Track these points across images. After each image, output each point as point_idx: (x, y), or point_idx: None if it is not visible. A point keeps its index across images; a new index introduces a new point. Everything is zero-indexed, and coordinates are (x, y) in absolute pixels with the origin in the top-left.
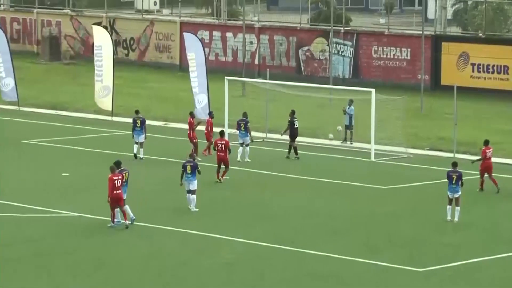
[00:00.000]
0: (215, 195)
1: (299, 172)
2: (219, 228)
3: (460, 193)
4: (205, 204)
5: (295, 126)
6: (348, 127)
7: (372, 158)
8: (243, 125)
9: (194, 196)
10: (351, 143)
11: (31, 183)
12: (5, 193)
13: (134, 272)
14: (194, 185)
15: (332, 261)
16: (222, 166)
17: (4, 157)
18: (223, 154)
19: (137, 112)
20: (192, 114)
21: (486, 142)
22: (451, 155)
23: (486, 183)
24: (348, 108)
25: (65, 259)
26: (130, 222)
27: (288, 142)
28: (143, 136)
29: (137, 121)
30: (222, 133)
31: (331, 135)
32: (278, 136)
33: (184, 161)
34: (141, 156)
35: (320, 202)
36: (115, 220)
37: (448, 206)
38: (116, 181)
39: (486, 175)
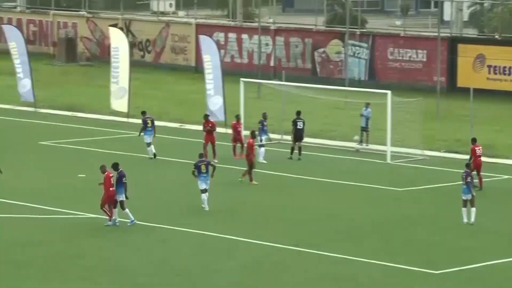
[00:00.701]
0: (231, 197)
1: (315, 174)
2: (236, 230)
3: (473, 193)
4: (221, 206)
5: (298, 127)
6: (365, 129)
7: (388, 160)
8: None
9: (207, 194)
10: (367, 145)
11: (47, 185)
12: (22, 194)
13: (148, 276)
14: (208, 184)
15: (349, 263)
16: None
17: (21, 159)
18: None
19: (144, 113)
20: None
21: (474, 140)
22: (467, 157)
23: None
24: (365, 111)
25: (78, 262)
26: (129, 224)
27: (290, 143)
28: (153, 135)
29: (148, 121)
30: (253, 134)
31: (356, 137)
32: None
33: (196, 162)
34: (154, 150)
35: (337, 204)
36: (113, 218)
37: (463, 209)
38: (112, 178)
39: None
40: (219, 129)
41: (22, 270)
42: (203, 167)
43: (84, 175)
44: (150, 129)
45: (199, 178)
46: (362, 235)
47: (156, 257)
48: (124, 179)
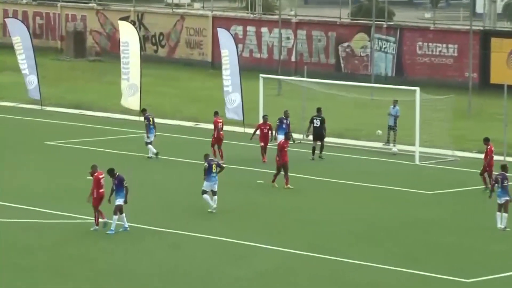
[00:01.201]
0: (246, 200)
1: (338, 175)
2: (252, 235)
3: (507, 198)
4: (236, 209)
5: (315, 125)
6: (392, 128)
7: (417, 162)
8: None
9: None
10: (395, 146)
11: (54, 187)
12: (27, 197)
13: (160, 283)
14: (217, 186)
15: (372, 270)
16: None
17: (26, 160)
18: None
19: (145, 110)
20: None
21: (488, 140)
22: (501, 158)
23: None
24: (393, 109)
25: (87, 267)
26: (122, 229)
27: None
28: (154, 134)
29: (150, 118)
30: (287, 136)
31: (379, 131)
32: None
33: (208, 161)
34: (151, 154)
35: (360, 208)
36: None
37: (497, 213)
38: (102, 179)
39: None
40: (237, 129)
41: (32, 274)
42: (214, 167)
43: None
44: (152, 126)
45: (209, 179)
46: (386, 240)
47: (169, 263)
48: (124, 182)
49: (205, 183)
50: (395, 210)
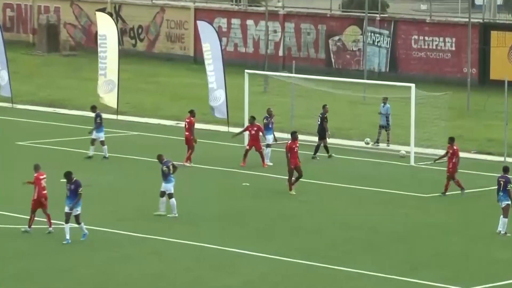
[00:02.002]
0: (233, 204)
1: (330, 178)
2: (239, 242)
3: (508, 202)
4: (222, 215)
5: (318, 122)
6: (385, 127)
7: (412, 163)
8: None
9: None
10: (388, 145)
11: (25, 191)
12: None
13: None
14: (173, 188)
15: (369, 279)
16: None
17: None
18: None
19: (95, 107)
20: (192, 113)
21: (453, 140)
22: (501, 159)
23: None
24: (383, 107)
25: (65, 277)
26: (82, 238)
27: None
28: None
29: (101, 115)
30: (294, 136)
31: (368, 139)
32: (305, 137)
33: (165, 163)
34: (107, 154)
35: (355, 212)
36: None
37: (501, 216)
38: (42, 181)
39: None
40: (221, 128)
41: (7, 286)
42: (171, 168)
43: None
44: (103, 125)
45: (169, 180)
46: (384, 247)
47: (151, 271)
48: (80, 189)
49: (164, 184)
50: (392, 214)
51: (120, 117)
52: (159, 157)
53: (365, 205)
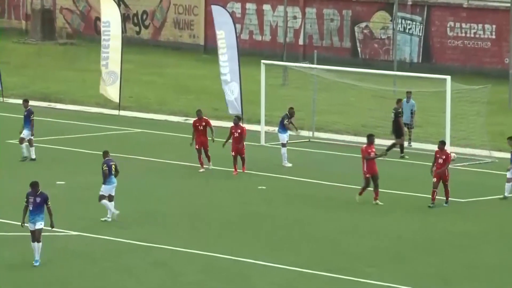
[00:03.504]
0: (246, 209)
1: (352, 180)
2: (252, 251)
3: None
4: (234, 221)
5: (392, 119)
6: (409, 125)
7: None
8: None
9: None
10: (410, 145)
11: (18, 194)
12: None
13: None
14: (114, 190)
15: None
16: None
17: None
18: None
19: (26, 101)
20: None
21: (443, 143)
22: None
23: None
24: (407, 103)
25: None
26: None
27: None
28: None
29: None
30: (370, 140)
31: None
32: (327, 135)
33: (107, 161)
34: (34, 156)
35: (380, 219)
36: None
37: None
38: None
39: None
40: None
41: None
42: (113, 167)
43: (63, 182)
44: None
45: (109, 182)
46: (412, 258)
47: (153, 283)
48: (48, 202)
49: (105, 186)
50: (422, 221)
51: (122, 113)
52: (105, 154)
53: (391, 210)
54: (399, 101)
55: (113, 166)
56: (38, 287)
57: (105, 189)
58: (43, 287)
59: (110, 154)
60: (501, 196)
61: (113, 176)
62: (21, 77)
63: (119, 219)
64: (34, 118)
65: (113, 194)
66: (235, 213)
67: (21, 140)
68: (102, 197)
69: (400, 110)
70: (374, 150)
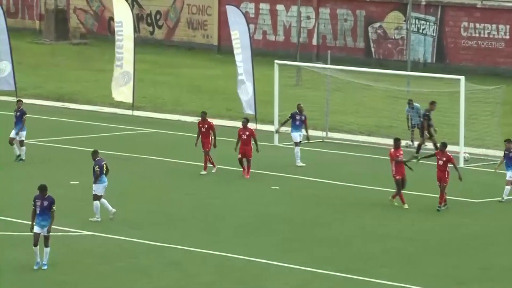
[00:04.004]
0: (260, 210)
1: (366, 181)
2: (266, 252)
3: None
4: (248, 222)
5: (420, 120)
6: (418, 126)
7: (461, 164)
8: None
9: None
10: (413, 145)
11: (31, 194)
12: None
13: None
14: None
15: None
16: None
17: None
18: None
19: (20, 101)
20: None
21: (445, 145)
22: None
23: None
24: (413, 109)
25: None
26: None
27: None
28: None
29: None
30: (397, 144)
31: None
32: (340, 135)
33: (98, 161)
34: (23, 157)
35: (394, 220)
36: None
37: None
38: None
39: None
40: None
41: None
42: (105, 167)
43: (77, 182)
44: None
45: (100, 181)
46: (425, 259)
47: (168, 284)
48: (53, 206)
49: (96, 186)
50: (436, 223)
51: (136, 113)
52: (95, 154)
53: (404, 211)
54: (432, 103)
55: (104, 165)
56: (51, 287)
57: (97, 189)
58: (55, 287)
59: (123, 154)
60: (500, 199)
61: (104, 176)
62: (35, 77)
63: (114, 217)
64: (26, 118)
65: (103, 193)
66: (249, 213)
67: (11, 140)
68: (96, 196)
69: (430, 113)
70: (402, 153)
